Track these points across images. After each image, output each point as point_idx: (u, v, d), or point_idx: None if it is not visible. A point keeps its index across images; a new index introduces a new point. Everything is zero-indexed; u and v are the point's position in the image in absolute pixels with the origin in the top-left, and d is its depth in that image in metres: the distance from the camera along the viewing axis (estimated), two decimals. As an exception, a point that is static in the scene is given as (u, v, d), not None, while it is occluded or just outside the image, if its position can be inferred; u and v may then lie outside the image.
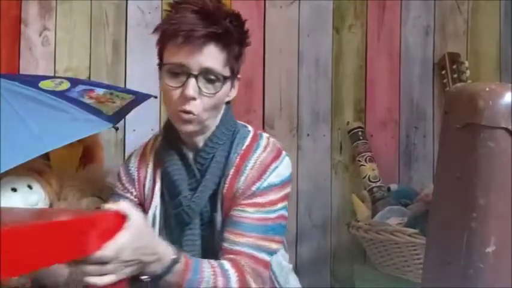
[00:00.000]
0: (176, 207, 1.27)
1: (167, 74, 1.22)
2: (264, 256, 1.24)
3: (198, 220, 1.27)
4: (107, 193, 1.68)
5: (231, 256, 1.21)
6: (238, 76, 1.30)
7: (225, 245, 1.23)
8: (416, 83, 2.25)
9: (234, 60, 1.25)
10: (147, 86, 1.94)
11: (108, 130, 1.78)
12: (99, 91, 1.66)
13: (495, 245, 0.74)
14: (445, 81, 2.14)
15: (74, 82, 1.70)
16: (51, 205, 1.59)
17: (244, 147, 1.29)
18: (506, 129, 0.74)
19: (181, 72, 1.20)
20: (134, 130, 2.04)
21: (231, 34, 1.23)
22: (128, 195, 1.35)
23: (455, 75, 2.10)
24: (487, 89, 0.76)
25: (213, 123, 1.28)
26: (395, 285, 1.78)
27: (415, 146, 2.25)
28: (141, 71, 2.04)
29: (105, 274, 0.98)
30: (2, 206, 1.47)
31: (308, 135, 2.14)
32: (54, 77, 1.85)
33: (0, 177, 1.47)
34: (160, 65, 1.26)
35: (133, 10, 2.04)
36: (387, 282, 1.81)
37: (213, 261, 1.19)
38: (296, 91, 2.14)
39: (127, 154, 2.02)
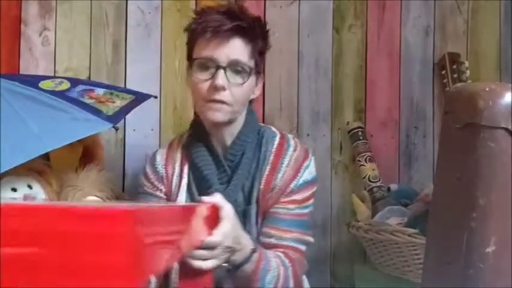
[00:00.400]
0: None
1: (197, 68, 1.33)
2: (303, 248, 1.41)
3: None
4: (107, 193, 1.68)
5: (281, 250, 1.35)
6: (261, 76, 1.42)
7: (272, 240, 1.36)
8: (416, 83, 2.25)
9: (258, 55, 1.36)
10: (147, 86, 1.95)
11: (108, 130, 1.78)
12: (99, 91, 1.66)
13: (495, 245, 0.74)
14: (445, 81, 2.14)
15: (74, 82, 1.70)
16: (51, 205, 1.60)
17: (275, 145, 1.40)
18: (506, 129, 0.74)
19: (210, 65, 1.31)
20: (134, 130, 2.04)
21: (255, 29, 1.34)
22: (158, 193, 1.43)
23: (455, 75, 2.10)
24: (487, 89, 0.76)
25: (239, 118, 1.39)
26: (395, 285, 1.78)
27: (415, 146, 2.25)
28: (141, 71, 2.04)
29: (209, 259, 1.11)
30: (2, 206, 1.48)
31: (308, 135, 2.14)
32: (54, 77, 1.86)
33: (0, 177, 1.47)
34: (190, 62, 1.36)
35: (133, 10, 2.04)
36: (387, 282, 1.81)
37: (273, 253, 1.32)
38: (296, 91, 2.14)
39: (127, 154, 2.03)
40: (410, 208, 1.88)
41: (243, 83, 1.32)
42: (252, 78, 1.36)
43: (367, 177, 2.05)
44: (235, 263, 1.21)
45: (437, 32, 2.27)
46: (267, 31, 1.39)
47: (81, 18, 2.01)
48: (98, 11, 2.02)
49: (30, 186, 1.55)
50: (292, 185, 1.38)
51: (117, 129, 1.80)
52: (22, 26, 1.97)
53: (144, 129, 2.04)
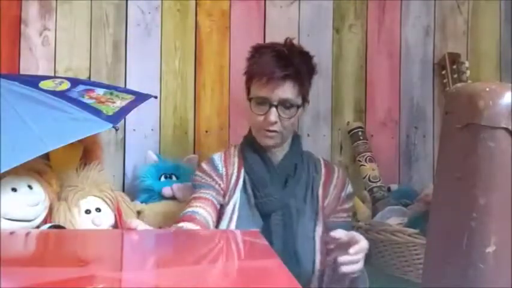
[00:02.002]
0: (262, 198, 1.58)
1: (254, 104, 1.59)
2: None
3: (281, 210, 1.58)
4: (107, 193, 1.68)
5: None
6: (308, 99, 1.64)
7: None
8: (416, 83, 2.25)
9: (305, 91, 1.61)
10: (147, 86, 1.95)
11: (108, 130, 1.78)
12: (99, 91, 1.66)
13: (495, 245, 0.74)
14: (445, 81, 2.13)
15: (74, 82, 1.70)
16: (51, 205, 1.59)
17: (322, 164, 1.68)
18: (506, 129, 0.74)
19: (265, 103, 1.56)
20: (134, 130, 2.04)
21: (303, 73, 1.58)
22: (217, 186, 1.62)
23: (456, 75, 2.10)
24: (487, 89, 0.76)
25: (288, 138, 1.64)
26: (395, 285, 1.78)
27: (415, 146, 2.25)
28: (141, 71, 2.04)
29: (356, 263, 1.39)
30: (2, 206, 1.47)
31: (308, 135, 2.14)
32: (55, 77, 1.86)
33: (0, 177, 1.47)
34: (249, 97, 1.61)
35: (134, 10, 2.04)
36: (387, 282, 1.81)
37: None
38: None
39: (127, 154, 2.03)
40: (411, 208, 1.88)
41: (291, 117, 1.57)
42: (300, 110, 1.61)
43: (367, 177, 2.05)
44: None
45: (438, 32, 2.26)
46: (314, 66, 1.64)
47: (82, 18, 2.01)
48: (98, 11, 2.02)
49: (30, 187, 1.55)
50: (343, 194, 1.65)
51: (117, 129, 1.80)
52: (22, 26, 1.97)
53: (144, 129, 2.04)
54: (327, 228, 1.57)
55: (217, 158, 1.67)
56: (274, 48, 1.60)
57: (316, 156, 1.72)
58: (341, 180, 1.67)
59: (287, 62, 1.56)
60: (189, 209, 1.56)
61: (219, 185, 1.62)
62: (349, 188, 1.68)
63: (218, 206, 1.60)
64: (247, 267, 0.99)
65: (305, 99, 1.63)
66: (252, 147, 1.65)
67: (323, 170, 1.68)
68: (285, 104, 1.56)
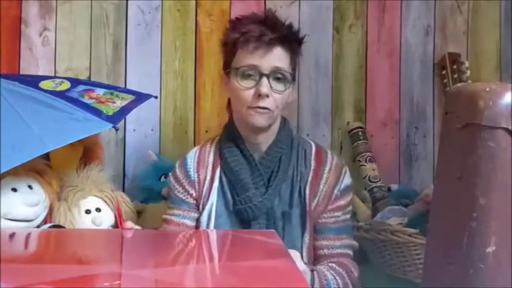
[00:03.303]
0: (242, 204, 1.39)
1: (240, 77, 1.37)
2: (351, 252, 1.46)
3: (264, 216, 1.40)
4: (107, 193, 1.68)
5: (334, 259, 1.41)
6: (295, 76, 1.45)
7: (325, 251, 1.42)
8: (416, 83, 2.25)
9: (294, 62, 1.42)
10: (147, 86, 1.95)
11: (109, 130, 1.78)
12: (100, 91, 1.66)
13: (495, 245, 0.74)
14: (445, 81, 2.13)
15: (74, 82, 1.70)
16: (51, 205, 1.59)
17: (313, 153, 1.46)
18: (506, 129, 0.74)
19: (253, 74, 1.36)
20: (134, 130, 2.04)
21: (294, 37, 1.40)
22: (189, 198, 1.45)
23: (456, 76, 2.10)
24: (487, 89, 0.76)
25: (276, 124, 1.43)
26: (395, 285, 1.78)
27: (415, 146, 2.25)
28: (141, 71, 2.04)
29: None
30: (2, 206, 1.47)
31: (308, 135, 2.14)
32: (55, 77, 1.86)
33: (0, 177, 1.47)
34: (228, 71, 1.40)
35: (134, 10, 2.04)
36: (387, 282, 1.81)
37: (326, 266, 1.39)
38: (296, 91, 2.14)
39: (127, 154, 2.04)
40: (411, 208, 1.88)
41: (285, 90, 1.38)
42: (291, 88, 1.41)
43: (367, 177, 2.05)
44: None
45: (438, 32, 2.26)
46: (303, 38, 1.44)
47: (82, 18, 2.01)
48: (98, 11, 2.02)
49: (30, 187, 1.55)
50: (335, 190, 1.43)
51: (117, 130, 1.79)
52: (22, 26, 1.97)
53: (144, 129, 2.04)
54: (316, 232, 1.42)
55: (190, 160, 1.47)
56: (257, 16, 1.42)
57: (308, 142, 1.49)
58: (334, 173, 1.43)
59: (274, 26, 1.37)
60: None
61: (191, 195, 1.45)
62: (346, 181, 1.45)
63: (194, 223, 1.45)
64: (258, 267, 0.99)
65: (294, 75, 1.42)
66: (231, 140, 1.44)
67: (313, 163, 1.44)
68: (276, 74, 1.36)
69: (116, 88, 1.74)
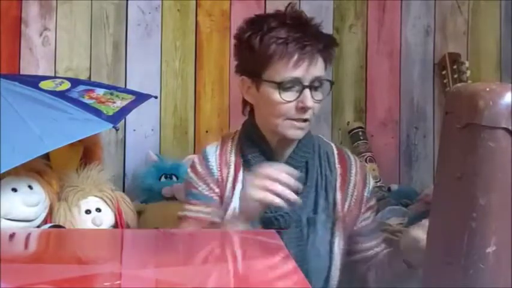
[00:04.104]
0: (272, 212, 1.28)
1: (281, 90, 1.27)
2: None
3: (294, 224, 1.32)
4: (107, 193, 1.68)
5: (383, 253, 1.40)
6: None
7: (376, 249, 1.41)
8: (416, 83, 2.25)
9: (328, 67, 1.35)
10: (147, 86, 1.95)
11: (109, 130, 1.78)
12: (100, 91, 1.66)
13: (496, 245, 0.74)
14: (445, 81, 2.13)
15: (75, 82, 1.70)
16: (51, 205, 1.60)
17: (336, 156, 1.40)
18: (506, 129, 0.74)
19: (295, 85, 1.27)
20: (134, 130, 2.04)
21: (334, 45, 1.34)
22: (213, 195, 1.35)
23: (456, 76, 2.10)
24: (488, 89, 0.75)
25: None
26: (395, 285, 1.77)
27: (415, 146, 2.25)
28: (141, 71, 2.04)
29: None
30: (2, 206, 1.48)
31: (308, 135, 2.14)
32: (55, 77, 1.86)
33: (0, 178, 1.47)
34: (259, 80, 1.30)
35: (134, 10, 2.05)
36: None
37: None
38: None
39: (127, 154, 2.04)
40: (411, 208, 1.88)
41: (323, 99, 1.32)
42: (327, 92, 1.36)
43: (367, 177, 2.05)
44: None
45: (438, 32, 2.26)
46: (335, 40, 1.39)
47: (82, 18, 2.01)
48: (98, 11, 2.02)
49: (30, 187, 1.55)
50: (365, 193, 1.40)
51: (117, 130, 1.80)
52: (22, 26, 1.97)
53: (144, 130, 2.04)
54: (359, 236, 1.40)
55: (212, 156, 1.37)
56: (283, 17, 1.30)
57: (328, 144, 1.44)
58: (360, 176, 1.39)
59: (315, 35, 1.30)
60: None
61: (217, 193, 1.36)
62: (371, 181, 1.43)
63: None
64: (258, 267, 0.99)
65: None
66: (254, 144, 1.36)
67: (338, 167, 1.39)
68: (316, 83, 1.29)
69: (116, 88, 1.75)
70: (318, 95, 1.30)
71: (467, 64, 2.12)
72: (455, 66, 2.12)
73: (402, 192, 2.07)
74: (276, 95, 1.28)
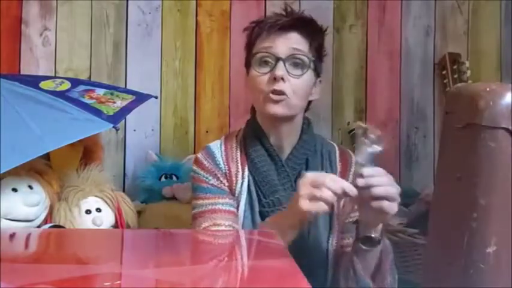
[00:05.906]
0: (271, 206, 1.32)
1: (256, 64, 1.33)
2: None
3: None
4: (107, 193, 1.68)
5: None
6: (320, 79, 1.39)
7: (345, 250, 1.35)
8: (416, 83, 2.25)
9: (316, 51, 1.35)
10: (147, 86, 1.95)
11: (109, 130, 1.78)
12: (100, 91, 1.66)
13: (496, 245, 0.74)
14: (445, 81, 2.13)
15: (75, 82, 1.70)
16: (51, 205, 1.60)
17: (338, 155, 1.42)
18: (506, 129, 0.74)
19: (269, 59, 1.31)
20: (135, 130, 2.04)
21: (312, 25, 1.36)
22: (226, 188, 1.36)
23: (456, 76, 2.10)
24: (488, 89, 0.75)
25: (296, 123, 1.38)
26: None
27: (415, 146, 2.25)
28: (141, 71, 2.04)
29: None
30: (2, 206, 1.48)
31: (308, 135, 2.15)
32: (55, 77, 1.86)
33: (0, 178, 1.47)
34: (248, 63, 1.36)
35: (134, 10, 2.05)
36: (388, 283, 1.81)
37: None
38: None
39: (127, 154, 2.04)
40: (411, 208, 1.87)
41: (302, 75, 1.31)
42: (311, 73, 1.34)
43: (367, 177, 2.05)
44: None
45: (438, 32, 2.26)
46: (324, 30, 1.40)
47: (82, 18, 2.01)
48: (99, 11, 2.02)
49: (30, 187, 1.55)
50: None
51: (117, 130, 1.80)
52: (23, 26, 1.97)
53: (144, 129, 2.05)
54: (345, 232, 1.38)
55: (217, 151, 1.39)
56: (277, 15, 1.38)
57: (330, 144, 1.46)
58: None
59: (290, 13, 1.36)
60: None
61: (227, 186, 1.36)
62: None
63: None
64: (258, 267, 0.99)
65: (317, 67, 1.36)
66: (256, 139, 1.38)
67: (338, 166, 1.41)
68: (294, 59, 1.31)
69: (116, 88, 1.75)
70: (296, 71, 1.31)
71: (467, 64, 2.12)
72: (455, 66, 2.12)
73: (402, 192, 2.06)
74: (254, 70, 1.33)
